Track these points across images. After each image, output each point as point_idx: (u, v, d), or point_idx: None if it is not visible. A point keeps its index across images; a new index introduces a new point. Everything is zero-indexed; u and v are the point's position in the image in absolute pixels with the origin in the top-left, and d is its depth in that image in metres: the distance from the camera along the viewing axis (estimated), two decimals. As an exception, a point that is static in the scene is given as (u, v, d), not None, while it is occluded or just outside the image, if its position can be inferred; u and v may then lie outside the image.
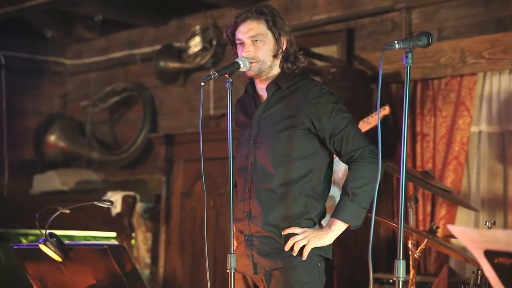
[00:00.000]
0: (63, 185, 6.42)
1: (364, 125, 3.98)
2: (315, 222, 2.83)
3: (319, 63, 5.01)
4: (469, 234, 1.81)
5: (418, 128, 4.69)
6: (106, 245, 2.44)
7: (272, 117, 2.84)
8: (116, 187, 6.39)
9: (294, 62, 2.88)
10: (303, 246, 2.75)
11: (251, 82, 2.96)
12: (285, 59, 2.88)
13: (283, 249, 2.78)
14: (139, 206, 5.71)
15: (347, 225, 2.77)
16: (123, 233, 5.61)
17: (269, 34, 2.83)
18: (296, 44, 2.90)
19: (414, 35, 2.41)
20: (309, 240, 2.73)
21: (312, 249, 2.76)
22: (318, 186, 2.83)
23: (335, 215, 2.77)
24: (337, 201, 4.01)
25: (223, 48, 6.06)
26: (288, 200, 2.79)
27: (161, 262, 5.50)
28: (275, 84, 2.87)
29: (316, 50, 5.10)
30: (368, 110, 4.88)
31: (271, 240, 2.81)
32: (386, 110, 4.00)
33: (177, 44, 6.35)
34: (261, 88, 2.91)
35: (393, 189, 4.75)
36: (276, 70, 2.88)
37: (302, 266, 2.77)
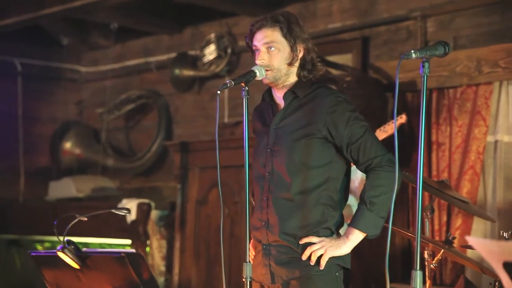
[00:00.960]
0: (78, 192, 6.45)
1: (381, 134, 3.98)
2: (333, 231, 2.83)
3: (334, 71, 5.01)
4: (488, 246, 1.80)
5: (433, 137, 4.67)
6: (124, 253, 2.45)
7: (289, 126, 2.83)
8: (131, 195, 6.41)
9: (311, 70, 2.88)
10: (321, 256, 2.75)
11: (268, 90, 2.96)
12: (302, 67, 2.87)
13: (301, 259, 2.77)
14: (154, 214, 5.73)
15: (364, 235, 2.76)
16: (138, 241, 5.62)
17: (284, 42, 2.82)
18: (314, 52, 2.89)
19: (430, 45, 2.41)
20: (326, 249, 2.73)
21: (330, 258, 2.76)
22: (335, 195, 2.83)
23: (353, 224, 2.77)
24: (353, 210, 4.01)
25: (238, 56, 6.08)
26: (305, 209, 2.78)
27: (176, 269, 5.51)
28: (292, 93, 2.87)
29: (331, 58, 5.11)
30: (383, 119, 4.87)
31: (288, 249, 2.80)
32: (402, 119, 4.00)
33: (192, 52, 6.37)
34: (278, 97, 2.91)
35: (408, 199, 4.74)
36: (293, 78, 2.88)
37: (320, 276, 2.76)
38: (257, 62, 2.82)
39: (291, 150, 2.80)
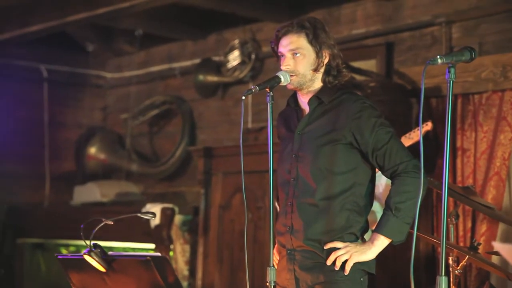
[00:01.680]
0: (103, 196, 6.49)
1: (406, 140, 3.97)
2: (358, 237, 2.82)
3: (358, 77, 5.01)
4: (514, 251, 1.80)
5: (458, 143, 4.65)
6: (149, 256, 2.47)
7: (314, 132, 2.84)
8: (155, 199, 6.44)
9: (336, 76, 2.88)
10: (346, 261, 2.75)
11: (293, 96, 2.97)
12: (327, 73, 2.88)
13: (325, 264, 2.77)
14: (178, 219, 5.75)
15: (390, 240, 2.76)
16: (161, 245, 5.65)
17: (309, 48, 2.83)
18: (340, 58, 2.89)
19: (456, 50, 2.40)
20: (351, 254, 2.73)
21: (355, 263, 2.76)
22: (360, 201, 2.83)
23: (378, 230, 2.76)
24: (378, 216, 4.00)
25: (262, 62, 6.10)
26: (330, 214, 2.78)
27: (199, 274, 5.52)
28: (317, 98, 2.87)
29: (355, 64, 5.11)
30: (408, 125, 4.86)
31: (313, 254, 2.80)
32: (428, 126, 3.98)
33: (216, 58, 6.40)
34: (303, 102, 2.92)
35: (433, 205, 4.72)
36: (318, 84, 2.88)
37: (344, 281, 2.76)
38: (282, 68, 2.83)
39: (316, 156, 2.80)
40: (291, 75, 2.82)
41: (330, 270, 2.77)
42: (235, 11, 5.78)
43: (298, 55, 2.82)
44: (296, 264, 2.83)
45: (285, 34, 2.85)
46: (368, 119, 2.78)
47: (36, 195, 6.93)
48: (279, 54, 2.87)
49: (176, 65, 6.78)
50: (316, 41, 2.82)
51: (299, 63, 2.82)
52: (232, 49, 6.18)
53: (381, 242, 2.75)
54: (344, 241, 2.78)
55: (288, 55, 2.83)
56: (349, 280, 2.77)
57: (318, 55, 2.83)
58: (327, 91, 2.87)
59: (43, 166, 6.97)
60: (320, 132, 2.81)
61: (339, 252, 2.74)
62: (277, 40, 2.87)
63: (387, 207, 2.76)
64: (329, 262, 2.75)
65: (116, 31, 6.71)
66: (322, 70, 2.87)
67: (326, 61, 2.86)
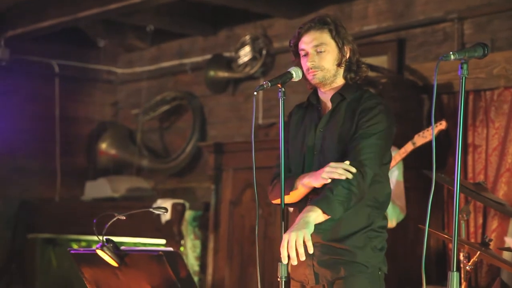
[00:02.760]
0: (114, 192, 6.51)
1: (420, 139, 3.96)
2: (378, 232, 2.83)
3: (369, 73, 5.00)
4: (527, 247, 1.80)
5: (470, 140, 4.64)
6: (162, 251, 2.48)
7: (334, 128, 2.83)
8: (165, 195, 6.46)
9: (356, 72, 2.89)
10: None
11: (314, 93, 2.96)
12: (348, 69, 2.88)
13: (345, 259, 2.78)
14: (188, 214, 5.77)
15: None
16: (172, 241, 5.66)
17: (333, 43, 2.84)
18: (358, 53, 2.90)
19: (469, 46, 2.40)
20: (289, 238, 2.60)
21: (374, 260, 2.78)
22: (380, 197, 2.84)
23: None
24: (388, 213, 4.01)
25: (273, 58, 6.10)
26: (351, 211, 2.78)
27: (210, 270, 5.54)
28: (339, 95, 2.87)
29: (366, 60, 5.04)
30: (419, 121, 4.85)
31: (332, 249, 2.80)
32: (442, 125, 3.97)
33: (227, 54, 6.41)
34: (326, 99, 2.91)
35: (444, 201, 4.72)
36: (340, 80, 2.88)
37: (364, 274, 2.78)
38: (308, 64, 2.83)
39: (337, 153, 2.79)
40: (315, 70, 2.82)
41: (350, 265, 2.78)
42: (247, 7, 5.78)
43: (322, 51, 2.83)
44: (315, 260, 2.82)
45: (307, 31, 2.85)
46: (374, 116, 2.78)
47: (47, 190, 6.96)
48: (301, 52, 2.86)
49: (187, 61, 6.78)
50: (338, 36, 2.83)
51: (324, 58, 2.83)
52: (243, 45, 6.19)
53: (314, 218, 2.66)
54: (364, 238, 2.78)
55: (312, 51, 2.83)
56: (369, 274, 2.78)
57: (341, 50, 2.85)
58: (349, 88, 2.88)
59: (54, 161, 7.00)
60: (341, 129, 2.81)
61: (283, 248, 2.61)
62: (299, 37, 2.87)
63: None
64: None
65: (127, 26, 6.73)
66: (344, 65, 2.87)
67: (347, 56, 2.86)
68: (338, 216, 2.69)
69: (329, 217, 2.67)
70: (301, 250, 2.59)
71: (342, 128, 2.82)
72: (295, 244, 2.58)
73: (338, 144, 2.80)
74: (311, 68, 2.83)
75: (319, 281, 2.82)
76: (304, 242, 2.60)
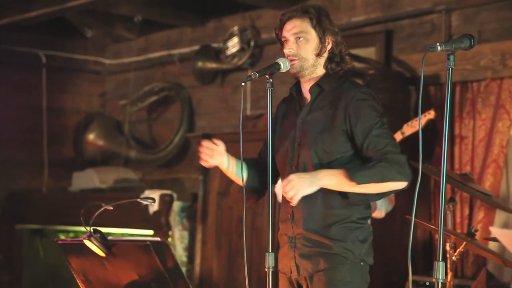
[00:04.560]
0: (101, 183, 6.50)
1: (408, 129, 3.97)
2: (359, 223, 2.83)
3: (357, 65, 5.01)
4: (511, 236, 1.81)
5: (456, 131, 4.67)
6: (149, 241, 2.48)
7: (315, 120, 2.84)
8: (153, 186, 6.46)
9: (339, 63, 2.88)
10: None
11: (296, 85, 2.97)
12: (330, 60, 2.88)
13: (326, 252, 2.79)
14: (176, 205, 5.76)
15: (344, 179, 2.70)
16: (160, 231, 5.66)
17: (313, 33, 2.83)
18: (343, 45, 2.90)
19: (456, 38, 2.41)
20: (298, 189, 2.67)
21: (356, 252, 2.79)
22: None
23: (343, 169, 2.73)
24: (377, 204, 4.01)
25: (261, 49, 6.10)
26: (331, 201, 2.79)
27: (197, 260, 5.55)
28: (318, 86, 2.87)
29: (354, 51, 5.10)
30: (406, 112, 4.87)
31: (313, 242, 2.81)
32: (431, 115, 3.98)
33: (215, 45, 6.40)
34: (306, 90, 2.92)
35: (430, 191, 4.74)
36: (320, 71, 2.88)
37: (344, 266, 2.78)
38: (285, 51, 2.84)
39: (317, 144, 2.80)
40: (293, 59, 2.83)
41: (330, 256, 2.78)
42: (235, -3, 5.77)
43: (301, 39, 2.83)
44: (296, 252, 2.85)
45: (289, 19, 2.86)
46: (363, 107, 2.78)
47: (34, 181, 6.94)
48: (283, 39, 2.87)
49: (175, 51, 6.77)
50: (319, 26, 2.83)
51: (302, 47, 2.82)
52: (231, 36, 6.18)
53: (334, 177, 2.70)
54: (344, 230, 2.79)
55: (292, 39, 2.84)
56: (349, 265, 2.79)
57: (321, 40, 2.84)
58: (329, 78, 2.87)
59: (41, 152, 6.97)
60: (321, 120, 2.81)
61: (286, 188, 2.68)
62: (281, 25, 2.87)
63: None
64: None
65: (115, 17, 6.70)
66: (325, 56, 2.87)
67: (329, 47, 2.86)
68: (361, 182, 2.68)
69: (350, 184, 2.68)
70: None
71: (322, 117, 2.82)
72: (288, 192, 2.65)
73: (318, 135, 2.81)
74: (289, 56, 2.83)
75: (300, 273, 2.84)
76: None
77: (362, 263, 2.82)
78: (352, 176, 2.68)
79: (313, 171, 2.78)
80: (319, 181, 2.70)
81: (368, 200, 2.78)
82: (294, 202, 2.70)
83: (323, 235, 2.79)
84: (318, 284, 2.79)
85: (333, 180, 2.70)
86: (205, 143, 2.86)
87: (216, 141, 2.88)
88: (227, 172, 2.94)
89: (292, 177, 2.68)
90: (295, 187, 2.66)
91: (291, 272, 2.87)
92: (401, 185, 2.72)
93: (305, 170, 2.82)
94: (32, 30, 6.71)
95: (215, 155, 2.87)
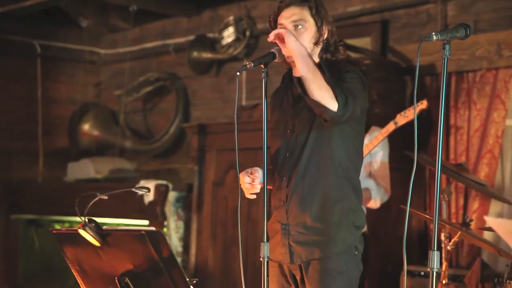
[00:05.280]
0: (96, 173, 6.49)
1: (401, 119, 3.97)
2: (354, 210, 2.84)
3: (352, 54, 5.01)
4: (506, 225, 1.82)
5: (452, 121, 4.67)
6: (144, 230, 2.48)
7: (307, 106, 2.83)
8: (148, 176, 6.46)
9: (333, 53, 2.89)
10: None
11: (288, 72, 2.97)
12: (325, 50, 2.88)
13: (320, 239, 2.79)
14: (172, 195, 5.76)
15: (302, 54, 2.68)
16: (155, 222, 5.66)
17: (311, 21, 2.83)
18: (337, 36, 2.90)
19: (451, 27, 2.41)
20: (288, 35, 2.68)
21: (349, 238, 2.79)
22: (355, 175, 2.86)
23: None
24: (372, 194, 4.01)
25: (256, 39, 6.08)
26: (325, 186, 2.79)
27: (193, 250, 5.55)
28: None
29: (350, 41, 5.10)
30: (402, 102, 4.87)
31: (308, 228, 2.82)
32: (423, 104, 3.98)
33: (210, 35, 6.38)
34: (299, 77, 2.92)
35: (425, 182, 4.75)
36: (315, 59, 2.88)
37: (339, 255, 2.79)
38: None
39: (310, 131, 2.81)
40: None
41: (325, 245, 2.79)
42: (230, -13, 5.76)
43: (300, 27, 2.82)
44: (290, 239, 2.85)
45: (287, 6, 2.85)
46: (347, 75, 2.77)
47: (29, 171, 6.93)
48: (279, 26, 2.85)
49: (170, 41, 6.75)
50: (318, 15, 2.83)
51: (301, 35, 2.82)
52: (226, 26, 6.16)
53: (303, 54, 2.68)
54: (338, 215, 2.79)
55: (290, 26, 2.83)
56: (344, 254, 2.79)
57: (319, 29, 2.84)
58: (322, 66, 2.87)
59: (36, 142, 6.96)
60: (311, 108, 2.80)
61: (280, 30, 2.70)
62: (278, 12, 2.86)
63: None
64: (269, 38, 2.72)
65: (110, 6, 6.67)
66: (320, 45, 2.87)
67: (325, 36, 2.86)
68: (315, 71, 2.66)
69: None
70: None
71: None
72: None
73: (308, 120, 2.81)
74: None
75: (294, 260, 2.84)
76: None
77: (356, 252, 2.83)
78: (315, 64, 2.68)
79: (306, 157, 2.78)
80: (301, 46, 2.68)
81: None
82: (271, 37, 2.70)
83: (320, 220, 2.79)
84: (313, 273, 2.79)
85: (304, 54, 2.67)
86: (247, 180, 2.80)
87: (254, 171, 2.83)
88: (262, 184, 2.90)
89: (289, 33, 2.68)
90: (287, 32, 2.68)
91: (283, 261, 2.86)
92: (332, 104, 2.61)
93: (298, 155, 2.82)
94: (26, 19, 6.68)
95: (257, 184, 2.83)
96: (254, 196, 2.86)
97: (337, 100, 2.63)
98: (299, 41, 2.70)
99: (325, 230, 2.79)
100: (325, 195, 2.80)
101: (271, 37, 2.71)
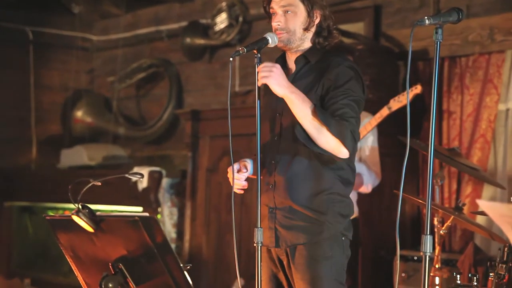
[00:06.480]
0: (90, 160, 6.49)
1: (395, 104, 3.98)
2: (342, 195, 2.85)
3: (346, 40, 5.00)
4: (499, 209, 1.82)
5: (445, 106, 4.68)
6: (138, 216, 2.48)
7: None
8: (142, 163, 6.46)
9: (326, 38, 2.88)
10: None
11: (281, 56, 2.97)
12: (317, 34, 2.88)
13: (307, 225, 2.80)
14: (165, 182, 5.76)
15: (297, 100, 2.68)
16: (149, 208, 5.67)
17: (301, 6, 2.83)
18: (331, 20, 2.89)
19: (444, 11, 2.40)
20: (270, 78, 2.66)
21: (337, 227, 2.81)
22: (344, 163, 2.84)
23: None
24: (364, 179, 4.03)
25: (249, 25, 6.07)
26: (313, 170, 2.80)
27: (187, 237, 5.56)
28: (304, 58, 2.88)
29: (343, 27, 5.09)
30: (395, 87, 4.87)
31: (295, 213, 2.82)
32: (418, 89, 3.99)
33: (203, 21, 6.36)
34: (291, 61, 2.92)
35: (418, 166, 4.76)
36: (307, 44, 2.88)
37: (325, 241, 2.80)
38: (273, 24, 2.84)
39: None
40: (280, 32, 2.82)
41: (311, 231, 2.80)
42: (223, -28, 5.73)
43: (289, 12, 2.82)
44: (277, 223, 2.86)
45: None
46: (344, 76, 2.76)
47: (23, 158, 6.92)
48: (271, 11, 2.86)
49: (163, 27, 6.73)
50: (308, 0, 2.82)
51: (290, 20, 2.82)
52: (219, 11, 6.14)
53: (298, 94, 2.68)
54: (327, 201, 2.79)
55: (280, 11, 2.83)
56: (330, 240, 2.80)
57: (310, 14, 2.83)
58: (315, 51, 2.87)
59: (29, 129, 6.95)
60: (304, 91, 2.79)
61: (264, 68, 2.67)
62: None
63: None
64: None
65: (102, -7, 6.65)
66: (312, 30, 2.87)
67: (317, 21, 2.86)
68: (319, 118, 2.65)
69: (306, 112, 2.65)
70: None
71: (306, 89, 2.80)
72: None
73: None
74: (277, 30, 2.82)
75: (279, 244, 2.85)
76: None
77: (343, 238, 2.84)
78: (316, 108, 2.67)
79: (294, 141, 2.78)
80: (289, 90, 2.67)
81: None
82: (259, 82, 2.68)
83: (306, 206, 2.80)
84: (299, 258, 2.81)
85: (299, 99, 2.67)
86: (236, 177, 2.82)
87: (242, 168, 2.86)
88: (254, 176, 2.91)
89: (276, 68, 2.66)
90: (271, 74, 2.65)
91: (269, 244, 2.87)
92: (344, 152, 2.68)
93: (287, 139, 2.83)
94: (18, 6, 6.64)
95: (244, 181, 2.86)
96: (242, 191, 2.88)
97: (346, 147, 2.66)
98: (283, 81, 2.66)
99: (311, 216, 2.80)
100: (312, 181, 2.80)
101: (259, 83, 2.70)
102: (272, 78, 2.66)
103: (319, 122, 2.66)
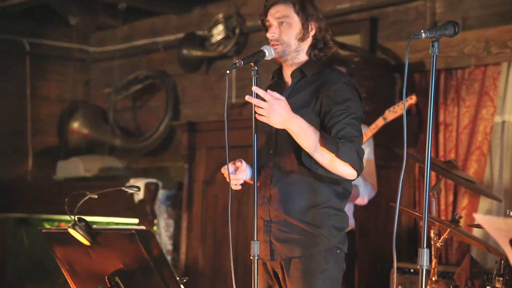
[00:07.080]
0: (86, 171, 6.48)
1: (390, 114, 3.98)
2: (336, 209, 2.84)
3: (342, 52, 5.01)
4: (495, 223, 1.82)
5: (441, 118, 4.68)
6: (134, 229, 2.47)
7: (294, 104, 2.81)
8: (138, 174, 6.45)
9: (322, 49, 2.89)
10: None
11: (278, 69, 2.97)
12: (313, 46, 2.89)
13: (301, 238, 2.80)
14: (161, 193, 5.76)
15: (304, 133, 2.64)
16: (145, 220, 5.66)
17: (296, 18, 2.84)
18: (328, 31, 2.90)
19: (440, 25, 2.41)
20: (270, 116, 2.61)
21: (333, 240, 2.80)
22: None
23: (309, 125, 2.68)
24: (360, 190, 4.03)
25: (246, 37, 6.08)
26: (308, 184, 2.80)
27: (183, 249, 5.55)
28: (300, 71, 2.88)
29: (339, 39, 5.10)
30: (391, 100, 4.88)
31: (290, 226, 2.82)
32: (412, 100, 4.00)
33: (200, 32, 6.37)
34: (287, 75, 2.92)
35: (415, 179, 4.76)
36: (303, 56, 2.88)
37: (320, 254, 2.79)
38: (268, 35, 2.85)
39: None
40: (276, 44, 2.83)
41: (306, 245, 2.79)
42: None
43: (284, 24, 2.84)
44: (272, 236, 2.85)
45: (273, 4, 2.87)
46: (342, 92, 2.76)
47: (19, 169, 6.91)
48: (267, 23, 2.88)
49: (159, 39, 6.74)
50: (302, 12, 2.83)
51: (284, 32, 2.83)
52: (216, 23, 6.16)
53: (300, 127, 2.64)
54: (322, 215, 2.79)
55: (275, 23, 2.85)
56: (325, 253, 2.80)
57: (304, 26, 2.84)
58: (311, 64, 2.88)
59: (25, 140, 6.94)
60: (300, 105, 2.79)
61: (263, 105, 2.60)
62: (266, 10, 2.88)
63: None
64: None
65: (99, 4, 6.65)
66: (308, 42, 2.87)
67: (312, 33, 2.87)
68: (326, 147, 2.63)
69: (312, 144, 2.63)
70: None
71: (303, 104, 2.80)
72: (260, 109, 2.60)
73: None
74: (272, 41, 2.84)
75: (274, 257, 2.84)
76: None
77: (338, 251, 2.83)
78: (322, 138, 2.65)
79: (290, 154, 2.78)
80: (291, 122, 2.63)
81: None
82: (258, 117, 2.63)
83: (301, 219, 2.80)
84: (294, 271, 2.80)
85: (303, 130, 2.64)
86: (231, 169, 2.81)
87: (236, 161, 2.86)
88: (251, 181, 2.90)
89: (274, 102, 2.60)
90: (270, 113, 2.60)
91: (264, 257, 2.86)
92: (352, 174, 2.69)
93: (282, 154, 2.84)
94: (16, 17, 6.65)
95: (242, 176, 2.85)
96: (240, 187, 2.86)
97: (355, 169, 2.68)
98: (282, 117, 2.62)
99: (305, 230, 2.80)
100: (307, 195, 2.80)
101: (260, 120, 2.66)
102: (270, 117, 2.61)
103: (328, 152, 2.66)
